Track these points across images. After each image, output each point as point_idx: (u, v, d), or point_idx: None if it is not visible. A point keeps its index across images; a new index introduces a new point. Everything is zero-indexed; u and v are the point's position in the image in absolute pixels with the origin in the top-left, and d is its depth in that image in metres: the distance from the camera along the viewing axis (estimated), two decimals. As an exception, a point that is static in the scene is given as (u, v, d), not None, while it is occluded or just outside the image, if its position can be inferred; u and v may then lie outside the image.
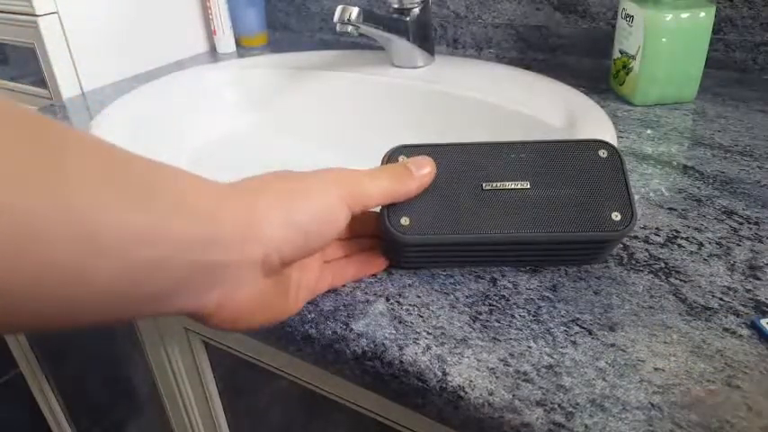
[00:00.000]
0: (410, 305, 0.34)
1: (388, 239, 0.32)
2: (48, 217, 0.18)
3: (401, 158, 0.33)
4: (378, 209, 0.32)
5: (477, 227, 0.31)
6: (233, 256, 0.24)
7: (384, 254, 0.35)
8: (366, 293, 0.35)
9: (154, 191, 0.22)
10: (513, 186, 0.31)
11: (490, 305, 0.34)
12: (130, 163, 0.22)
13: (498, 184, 0.31)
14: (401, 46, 0.66)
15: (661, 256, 0.37)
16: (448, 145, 0.33)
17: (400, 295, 0.35)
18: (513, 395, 0.28)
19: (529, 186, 0.31)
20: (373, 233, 0.35)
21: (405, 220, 0.31)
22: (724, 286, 0.34)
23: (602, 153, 0.32)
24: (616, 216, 0.31)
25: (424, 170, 0.31)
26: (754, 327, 0.30)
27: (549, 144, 0.33)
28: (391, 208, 0.31)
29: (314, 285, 0.32)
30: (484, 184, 0.31)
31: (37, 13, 0.68)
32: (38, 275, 0.18)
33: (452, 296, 0.34)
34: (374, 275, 0.36)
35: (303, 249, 0.27)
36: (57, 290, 0.19)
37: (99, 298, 0.20)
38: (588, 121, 0.53)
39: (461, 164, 0.32)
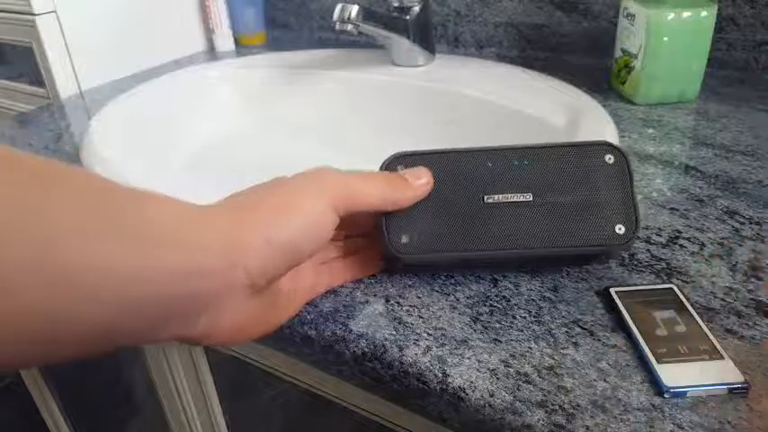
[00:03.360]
0: (410, 306, 0.34)
1: (389, 257, 0.31)
2: (23, 266, 0.18)
3: (399, 168, 0.32)
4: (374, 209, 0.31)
5: (477, 244, 0.31)
6: (218, 284, 0.24)
7: (381, 255, 0.35)
8: (366, 294, 0.35)
9: (141, 226, 0.21)
10: (514, 199, 0.30)
11: (491, 306, 0.33)
12: (114, 201, 0.22)
13: (500, 197, 0.30)
14: (401, 45, 0.66)
15: (663, 257, 0.36)
16: (449, 152, 0.31)
17: (400, 296, 0.35)
18: (514, 396, 0.28)
19: (531, 199, 0.30)
20: (366, 232, 0.34)
21: (405, 239, 0.30)
22: (726, 287, 0.34)
23: (609, 158, 0.31)
24: (620, 229, 0.31)
25: (420, 180, 0.30)
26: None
27: (553, 149, 0.31)
28: (391, 225, 0.31)
29: (310, 288, 0.32)
30: (485, 197, 0.30)
31: (35, 11, 0.68)
32: (13, 321, 0.18)
33: (453, 297, 0.34)
34: (373, 276, 0.36)
35: (290, 263, 0.26)
36: (34, 334, 0.19)
37: (79, 339, 0.20)
38: (589, 120, 0.53)
39: (462, 173, 0.31)
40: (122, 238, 0.21)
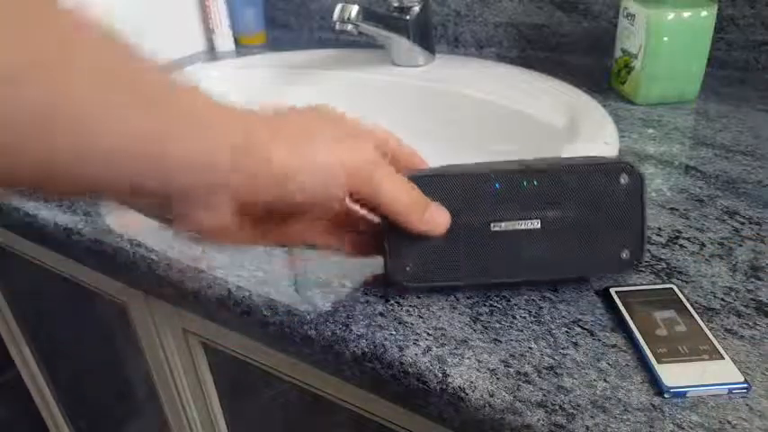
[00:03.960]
0: (410, 306, 0.34)
1: (388, 280, 0.31)
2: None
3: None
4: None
5: (481, 274, 0.30)
6: (218, 186, 0.24)
7: (376, 244, 0.32)
8: (366, 294, 0.35)
9: (166, 108, 0.22)
10: (522, 227, 0.29)
11: (491, 306, 0.33)
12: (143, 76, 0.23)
13: (507, 224, 0.29)
14: (401, 45, 0.66)
15: (663, 257, 0.36)
16: (458, 175, 0.29)
17: (400, 296, 0.35)
18: (514, 396, 0.28)
19: (539, 227, 0.29)
20: (361, 228, 0.32)
21: (408, 268, 0.30)
22: (726, 287, 0.34)
23: (624, 179, 0.29)
24: (625, 255, 0.30)
25: (439, 220, 0.29)
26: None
27: (567, 169, 0.29)
28: (394, 249, 0.29)
29: (293, 234, 0.30)
30: (492, 224, 0.29)
31: (35, 11, 0.68)
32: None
33: (453, 297, 0.34)
34: (373, 283, 0.35)
35: (283, 206, 0.26)
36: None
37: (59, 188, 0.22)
38: (589, 120, 0.53)
39: (471, 198, 0.29)
40: (149, 111, 0.21)
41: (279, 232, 0.29)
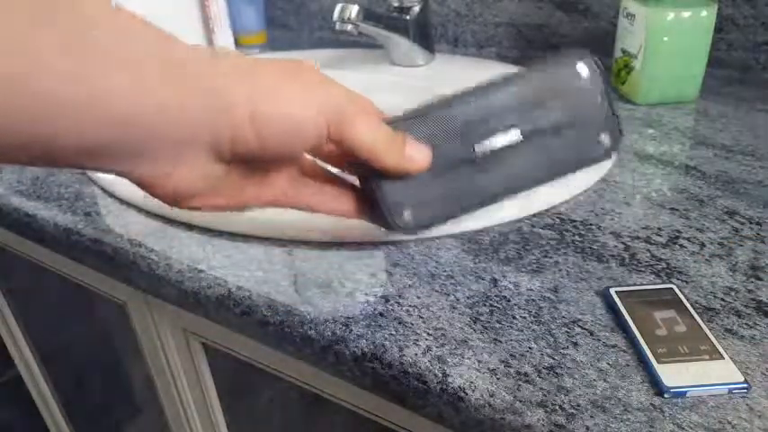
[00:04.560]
0: (410, 306, 0.34)
1: (389, 229, 0.30)
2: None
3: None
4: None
5: (475, 200, 0.30)
6: (184, 134, 0.23)
7: (359, 201, 0.31)
8: (366, 294, 0.35)
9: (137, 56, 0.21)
10: (505, 143, 0.29)
11: (491, 306, 0.33)
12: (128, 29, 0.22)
13: (489, 143, 0.29)
14: (401, 45, 0.66)
15: (663, 257, 0.36)
16: (430, 107, 0.29)
17: (400, 296, 0.35)
18: (514, 396, 0.28)
19: (520, 138, 0.29)
20: (340, 164, 0.31)
21: (407, 215, 0.29)
22: (726, 287, 0.34)
23: (582, 69, 0.29)
24: (605, 138, 0.30)
25: (420, 155, 0.28)
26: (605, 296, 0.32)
27: (527, 73, 0.30)
28: (389, 199, 0.29)
29: (275, 193, 0.29)
30: (476, 148, 0.29)
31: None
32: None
33: (453, 297, 0.34)
34: (342, 215, 0.32)
35: (260, 151, 0.25)
36: None
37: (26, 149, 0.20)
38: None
39: (452, 129, 0.29)
40: (124, 64, 0.21)
41: (258, 193, 0.28)
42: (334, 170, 0.31)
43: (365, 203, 0.30)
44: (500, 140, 0.29)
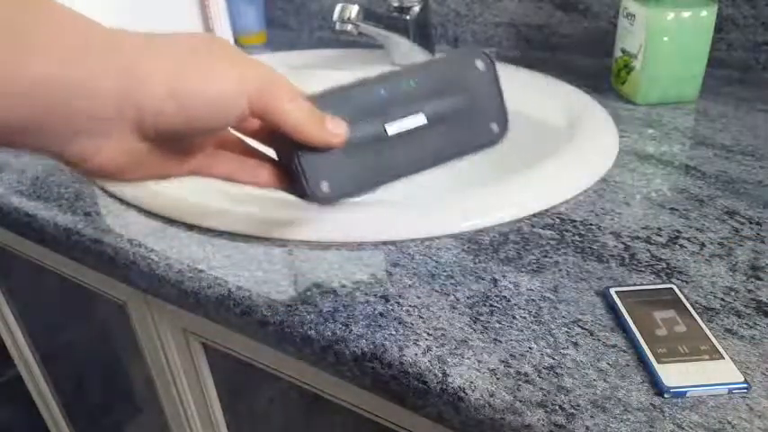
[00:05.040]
0: (410, 306, 0.34)
1: (308, 201, 0.32)
2: None
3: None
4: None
5: (386, 175, 0.33)
6: (103, 109, 0.23)
7: (277, 173, 0.32)
8: (366, 294, 0.35)
9: (52, 34, 0.22)
10: (412, 125, 0.32)
11: (491, 306, 0.33)
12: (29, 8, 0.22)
13: (398, 125, 0.32)
14: (401, 45, 0.66)
15: (663, 257, 0.36)
16: (348, 88, 0.32)
17: (400, 296, 0.35)
18: (514, 396, 0.28)
19: (426, 122, 0.32)
20: (262, 137, 0.32)
21: (325, 187, 0.31)
22: (726, 287, 0.34)
23: (480, 65, 0.33)
24: (494, 127, 0.34)
25: (338, 131, 0.30)
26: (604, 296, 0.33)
27: (433, 65, 0.34)
28: (308, 171, 0.30)
29: (198, 165, 0.30)
30: (387, 128, 0.32)
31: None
32: None
33: (453, 297, 0.34)
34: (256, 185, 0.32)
35: (184, 127, 0.25)
36: None
37: None
38: (590, 120, 0.53)
39: (366, 109, 0.32)
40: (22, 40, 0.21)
41: (181, 165, 0.29)
42: (254, 144, 0.33)
43: (284, 176, 0.32)
44: (408, 123, 0.32)
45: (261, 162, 0.32)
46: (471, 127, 0.33)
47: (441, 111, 0.32)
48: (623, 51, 0.58)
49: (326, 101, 0.30)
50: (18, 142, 0.23)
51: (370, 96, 0.31)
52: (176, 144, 0.28)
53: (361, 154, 0.31)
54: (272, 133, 0.29)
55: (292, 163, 0.30)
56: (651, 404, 0.27)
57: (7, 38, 0.21)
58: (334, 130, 0.29)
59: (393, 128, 0.32)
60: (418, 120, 0.32)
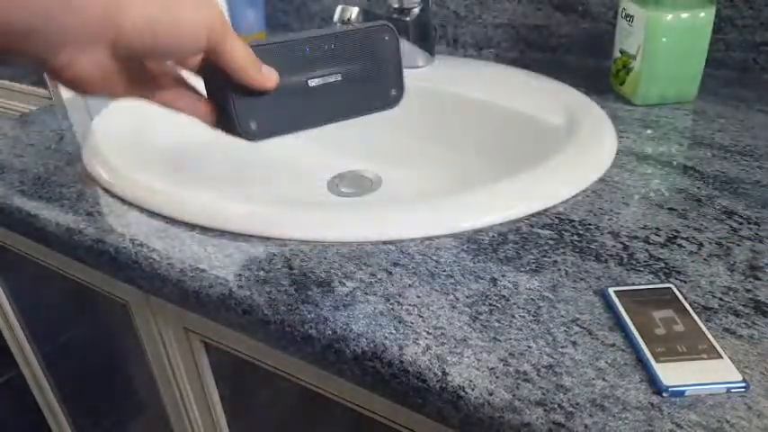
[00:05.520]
0: (410, 305, 0.34)
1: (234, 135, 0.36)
2: None
3: None
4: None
5: (307, 121, 0.37)
6: (92, 28, 0.27)
7: (211, 108, 0.36)
8: (366, 293, 0.35)
9: None
10: (330, 80, 0.37)
11: (490, 305, 0.34)
12: None
13: (319, 80, 0.37)
14: (401, 46, 0.66)
15: (661, 257, 0.37)
16: (282, 42, 0.36)
17: (400, 295, 0.35)
18: (513, 395, 0.28)
19: (340, 78, 0.37)
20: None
21: (253, 125, 0.35)
22: (724, 286, 0.34)
23: (386, 36, 0.39)
24: (393, 92, 0.40)
25: (272, 76, 0.34)
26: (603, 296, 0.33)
27: (351, 33, 0.38)
28: (239, 110, 0.34)
29: (150, 89, 0.33)
30: (309, 81, 0.36)
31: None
32: None
33: (452, 296, 0.34)
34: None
35: (151, 52, 0.30)
36: None
37: None
38: (588, 121, 0.53)
39: (293, 62, 0.36)
40: None
41: (145, 87, 0.32)
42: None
43: (215, 111, 0.35)
44: (327, 78, 0.37)
45: (199, 97, 0.35)
46: (376, 89, 0.39)
47: (352, 73, 0.38)
48: (622, 52, 0.58)
49: (263, 50, 0.34)
50: (14, 48, 0.26)
51: (298, 53, 0.36)
52: (137, 67, 0.31)
53: (286, 100, 0.35)
54: (207, 71, 0.33)
55: (227, 102, 0.34)
56: (650, 403, 0.27)
57: None
58: (271, 74, 0.33)
59: (313, 82, 0.36)
60: (335, 77, 0.37)
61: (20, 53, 0.27)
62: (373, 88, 0.39)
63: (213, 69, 0.32)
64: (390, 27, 0.39)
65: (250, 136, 0.35)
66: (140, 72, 0.31)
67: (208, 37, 0.30)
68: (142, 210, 0.46)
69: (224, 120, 0.35)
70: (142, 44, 0.28)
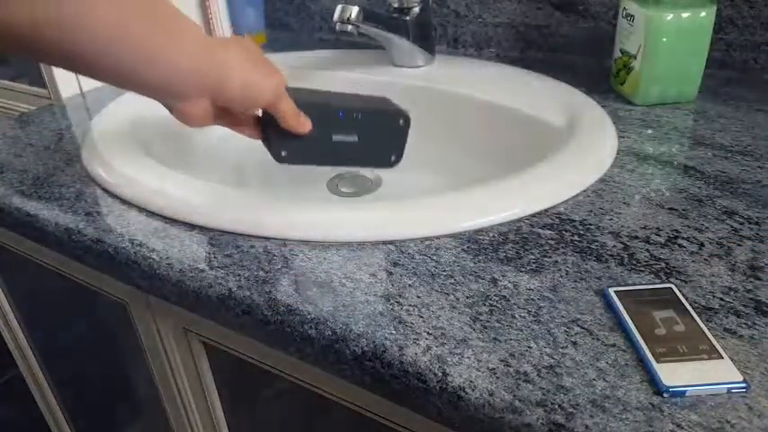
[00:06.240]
0: (410, 305, 0.34)
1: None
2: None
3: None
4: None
5: (323, 160, 0.47)
6: (206, 92, 0.38)
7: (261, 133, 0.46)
8: (366, 294, 0.35)
9: (183, 36, 0.36)
10: (348, 140, 0.47)
11: (490, 305, 0.33)
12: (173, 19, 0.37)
13: (341, 137, 0.46)
14: (401, 45, 0.66)
15: (662, 257, 0.36)
16: (325, 105, 0.45)
17: (400, 295, 0.35)
18: (514, 395, 0.28)
19: (357, 140, 0.47)
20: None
21: (284, 153, 0.44)
22: (725, 286, 0.34)
23: (401, 122, 0.48)
24: (393, 158, 0.49)
25: (306, 127, 0.43)
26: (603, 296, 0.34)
27: (373, 114, 0.48)
28: (272, 141, 0.44)
29: (229, 120, 0.44)
30: (334, 136, 0.46)
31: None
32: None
33: (452, 296, 0.34)
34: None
35: (238, 105, 0.41)
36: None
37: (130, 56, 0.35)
38: (589, 120, 0.53)
39: (326, 118, 0.45)
40: (170, 37, 0.36)
41: (226, 121, 0.43)
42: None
43: (264, 137, 0.45)
44: (347, 137, 0.47)
45: (257, 126, 0.45)
46: (380, 153, 0.49)
47: (367, 139, 0.47)
48: (622, 52, 0.58)
49: (308, 104, 0.43)
50: (149, 96, 0.38)
51: (332, 116, 0.45)
52: (225, 108, 0.42)
53: (312, 143, 0.44)
54: (264, 113, 0.44)
55: (269, 134, 0.44)
56: (650, 403, 0.27)
57: (171, 34, 0.36)
58: (305, 125, 0.43)
59: (336, 137, 0.46)
60: (354, 137, 0.47)
61: (151, 97, 0.38)
62: (379, 151, 0.49)
63: (267, 113, 0.42)
64: (407, 116, 0.48)
65: (279, 159, 0.44)
66: (225, 110, 0.42)
67: (272, 97, 0.40)
68: (141, 209, 0.46)
69: (267, 144, 0.45)
70: (235, 100, 0.39)
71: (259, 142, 0.45)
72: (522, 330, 0.32)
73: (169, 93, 0.38)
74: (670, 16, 0.53)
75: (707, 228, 0.39)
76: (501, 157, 0.58)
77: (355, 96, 0.50)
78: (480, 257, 0.38)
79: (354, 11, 0.58)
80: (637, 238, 0.38)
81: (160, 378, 0.57)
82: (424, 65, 0.69)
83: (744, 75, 0.62)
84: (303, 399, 0.46)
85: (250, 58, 0.39)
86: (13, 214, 0.50)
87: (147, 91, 0.38)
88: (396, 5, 0.65)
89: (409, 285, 0.36)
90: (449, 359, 0.30)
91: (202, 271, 0.39)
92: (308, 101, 0.44)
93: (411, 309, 0.34)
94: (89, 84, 0.75)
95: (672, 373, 0.28)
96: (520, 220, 0.41)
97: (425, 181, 0.60)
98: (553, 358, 0.30)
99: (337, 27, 0.59)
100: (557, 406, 0.27)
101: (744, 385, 0.27)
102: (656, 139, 0.51)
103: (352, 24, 0.58)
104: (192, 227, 0.44)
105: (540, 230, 0.40)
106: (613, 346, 0.30)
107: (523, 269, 0.36)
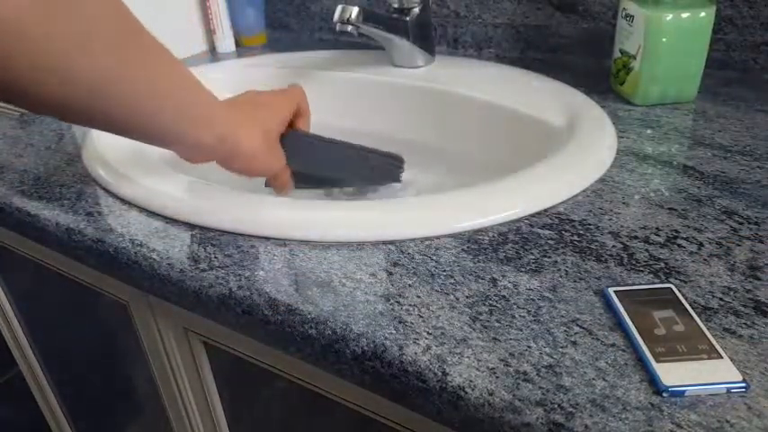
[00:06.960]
0: (410, 305, 0.34)
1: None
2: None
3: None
4: None
5: (324, 185, 0.55)
6: (219, 159, 0.42)
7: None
8: (366, 293, 0.35)
9: (201, 109, 0.39)
10: (349, 190, 0.56)
11: (490, 305, 0.34)
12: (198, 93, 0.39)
13: (340, 189, 0.55)
14: (401, 46, 0.66)
15: (661, 257, 0.37)
16: (329, 146, 0.51)
17: (400, 295, 0.35)
18: (514, 395, 0.28)
19: (353, 189, 0.56)
20: None
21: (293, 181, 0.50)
22: (724, 286, 0.34)
23: (400, 171, 0.55)
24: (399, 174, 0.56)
25: (288, 192, 0.49)
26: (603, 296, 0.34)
27: (380, 161, 0.54)
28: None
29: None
30: (335, 190, 0.55)
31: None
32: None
33: (452, 296, 0.34)
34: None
35: (245, 171, 0.44)
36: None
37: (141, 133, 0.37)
38: (588, 121, 0.53)
39: (328, 171, 0.52)
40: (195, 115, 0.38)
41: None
42: None
43: None
44: (346, 189, 0.55)
45: None
46: (376, 183, 0.57)
47: (366, 177, 0.54)
48: (622, 52, 0.58)
49: (313, 146, 0.50)
50: (166, 148, 0.40)
51: (339, 159, 0.51)
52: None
53: (316, 177, 0.52)
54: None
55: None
56: (650, 403, 0.27)
57: (195, 118, 0.38)
58: (287, 191, 0.49)
59: (339, 189, 0.55)
60: (351, 190, 0.56)
61: (169, 149, 0.40)
62: (374, 182, 0.56)
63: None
64: (403, 165, 0.55)
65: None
66: None
67: (273, 175, 0.47)
68: (142, 209, 0.46)
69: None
70: (242, 164, 0.43)
71: None
72: (521, 330, 0.32)
73: (178, 154, 0.41)
74: (669, 16, 0.53)
75: (706, 228, 0.39)
76: (500, 157, 0.58)
77: (359, 147, 0.54)
78: (480, 257, 0.38)
79: (354, 11, 0.58)
80: (636, 238, 0.38)
81: (160, 378, 0.57)
82: (424, 65, 0.69)
83: (743, 75, 0.62)
84: (303, 398, 0.46)
85: (263, 145, 0.43)
86: (13, 214, 0.50)
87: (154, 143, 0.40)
88: (396, 6, 0.65)
89: (409, 285, 0.36)
90: (449, 359, 0.30)
91: (203, 271, 0.39)
92: (319, 141, 0.49)
93: (411, 308, 0.34)
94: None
95: (671, 373, 0.28)
96: (519, 220, 0.41)
97: (425, 181, 0.60)
98: (553, 358, 0.30)
99: (337, 27, 0.59)
100: (556, 405, 0.27)
101: (743, 385, 0.27)
102: (655, 140, 0.51)
103: (352, 25, 0.58)
104: (192, 227, 0.44)
105: (539, 230, 0.40)
106: (613, 345, 0.30)
107: (523, 269, 0.36)
